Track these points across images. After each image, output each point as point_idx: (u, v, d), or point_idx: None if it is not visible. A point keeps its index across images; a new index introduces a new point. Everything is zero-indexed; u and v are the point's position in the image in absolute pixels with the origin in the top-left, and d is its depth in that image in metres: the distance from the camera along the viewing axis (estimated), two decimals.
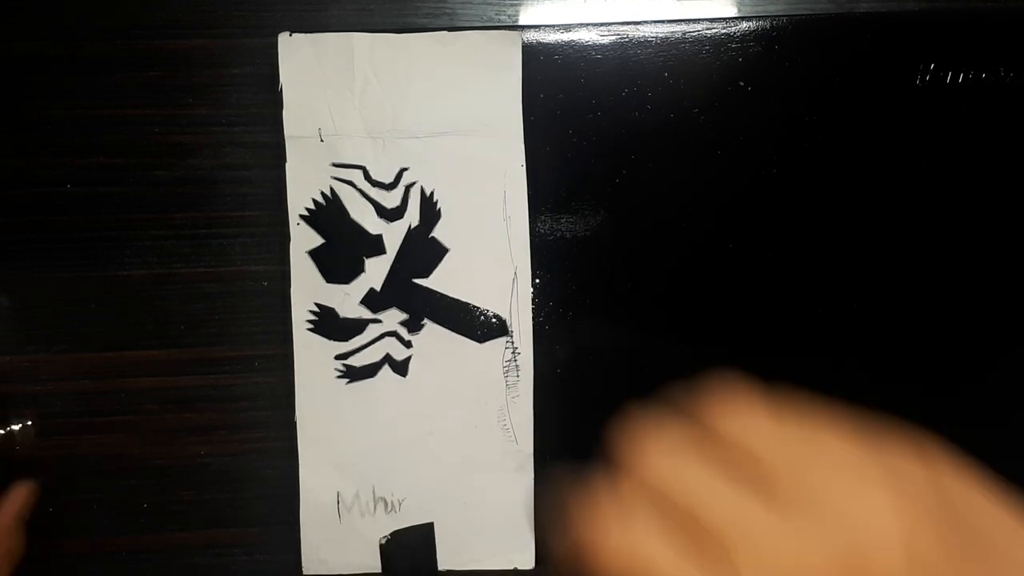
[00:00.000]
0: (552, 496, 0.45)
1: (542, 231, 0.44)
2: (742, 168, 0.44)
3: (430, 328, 0.44)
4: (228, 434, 0.46)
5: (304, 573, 0.45)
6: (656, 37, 0.43)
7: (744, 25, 0.43)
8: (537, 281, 0.44)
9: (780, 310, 0.45)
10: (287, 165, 0.43)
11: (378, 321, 0.44)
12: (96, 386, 0.45)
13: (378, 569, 0.46)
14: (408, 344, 0.45)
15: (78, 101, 0.44)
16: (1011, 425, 0.46)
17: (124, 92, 0.44)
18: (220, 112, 0.44)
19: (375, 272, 0.44)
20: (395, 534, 0.45)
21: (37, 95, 0.44)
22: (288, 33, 0.42)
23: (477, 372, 0.45)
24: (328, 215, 0.44)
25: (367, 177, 0.43)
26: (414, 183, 0.44)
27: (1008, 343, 0.45)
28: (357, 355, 0.45)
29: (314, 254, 0.44)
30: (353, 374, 0.45)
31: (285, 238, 0.44)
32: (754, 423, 0.22)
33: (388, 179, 0.44)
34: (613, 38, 0.43)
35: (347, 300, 0.44)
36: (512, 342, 0.44)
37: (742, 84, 0.43)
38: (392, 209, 0.44)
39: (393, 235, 0.44)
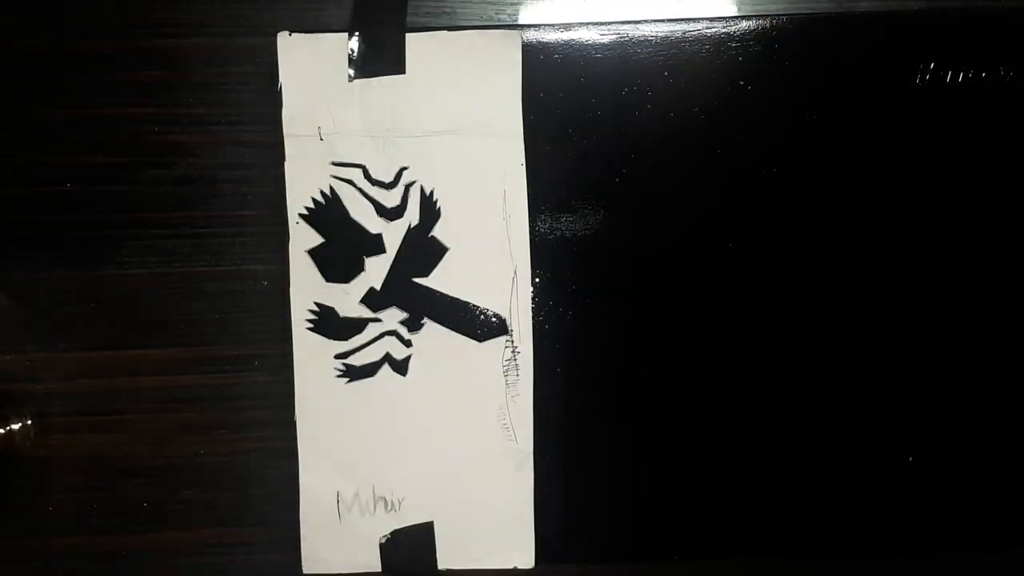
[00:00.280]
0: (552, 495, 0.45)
1: (542, 230, 0.44)
2: (742, 167, 0.44)
3: (430, 327, 0.44)
4: (228, 433, 0.46)
5: (304, 572, 0.45)
6: (656, 36, 0.43)
7: (744, 24, 0.43)
8: (537, 280, 0.44)
9: (780, 309, 0.45)
10: (286, 164, 0.43)
11: (378, 320, 0.44)
12: (96, 385, 0.45)
13: (378, 568, 0.46)
14: (408, 343, 0.45)
15: (78, 101, 0.44)
16: (1011, 425, 0.46)
17: (124, 91, 0.44)
18: (220, 111, 0.44)
19: (375, 271, 0.44)
20: (395, 533, 0.45)
21: (37, 95, 0.44)
22: (288, 32, 0.42)
23: (477, 371, 0.45)
24: (328, 214, 0.44)
25: (367, 176, 0.44)
26: (414, 182, 0.44)
27: (1008, 343, 0.45)
28: (357, 354, 0.45)
29: (314, 253, 0.44)
30: (353, 373, 0.45)
31: (284, 237, 0.44)
32: None
33: (388, 178, 0.44)
34: (613, 37, 0.43)
35: (347, 299, 0.44)
36: (512, 341, 0.44)
37: (742, 83, 0.43)
38: (392, 208, 0.44)
39: (393, 234, 0.44)
